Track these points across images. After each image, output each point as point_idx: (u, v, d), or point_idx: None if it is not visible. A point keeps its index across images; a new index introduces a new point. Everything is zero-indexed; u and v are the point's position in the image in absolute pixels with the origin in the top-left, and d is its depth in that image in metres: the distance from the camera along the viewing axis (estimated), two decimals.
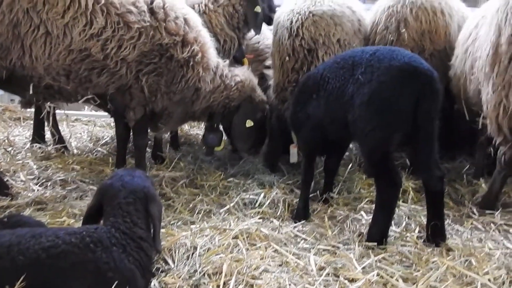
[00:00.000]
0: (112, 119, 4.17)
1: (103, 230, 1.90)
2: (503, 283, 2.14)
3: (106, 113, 4.12)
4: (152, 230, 2.04)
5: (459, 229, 2.83)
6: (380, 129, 2.44)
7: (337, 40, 3.72)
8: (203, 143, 4.03)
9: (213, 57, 3.50)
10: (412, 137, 2.46)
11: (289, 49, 3.77)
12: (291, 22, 3.75)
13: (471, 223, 2.91)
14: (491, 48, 2.77)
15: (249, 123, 3.86)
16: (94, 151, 4.36)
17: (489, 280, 2.13)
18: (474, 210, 3.12)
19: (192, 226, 2.70)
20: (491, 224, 2.90)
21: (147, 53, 3.06)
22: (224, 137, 4.06)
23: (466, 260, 2.34)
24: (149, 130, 3.57)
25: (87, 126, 5.50)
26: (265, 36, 5.11)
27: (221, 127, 4.02)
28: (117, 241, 1.88)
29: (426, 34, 3.78)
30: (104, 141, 4.74)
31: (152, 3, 3.03)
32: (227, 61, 3.83)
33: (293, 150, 3.80)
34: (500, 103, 2.77)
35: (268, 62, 4.80)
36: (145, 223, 2.04)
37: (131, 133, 3.53)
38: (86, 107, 5.75)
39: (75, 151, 4.37)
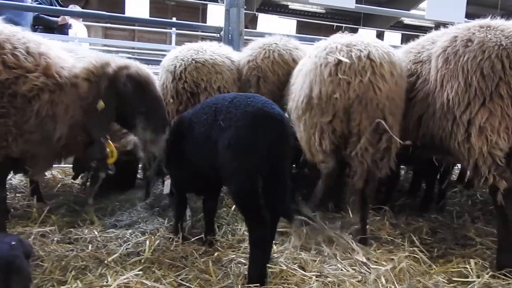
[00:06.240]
0: None
1: None
2: None
3: None
4: None
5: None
6: (241, 171, 2.54)
7: (217, 87, 4.01)
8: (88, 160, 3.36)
9: (58, 68, 3.09)
10: (267, 176, 2.60)
11: (173, 92, 3.97)
12: (175, 67, 3.99)
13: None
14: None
15: (101, 104, 3.12)
16: None
17: None
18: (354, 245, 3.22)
19: (63, 287, 2.46)
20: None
21: None
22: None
23: None
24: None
25: None
26: None
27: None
28: None
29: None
30: None
31: None
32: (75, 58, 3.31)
33: (167, 182, 3.72)
34: None
35: None
36: None
37: None
38: None
39: None
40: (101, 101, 3.07)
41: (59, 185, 4.90)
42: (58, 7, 6.50)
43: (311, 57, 3.42)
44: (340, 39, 3.35)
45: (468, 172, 3.06)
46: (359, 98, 3.09)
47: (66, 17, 6.90)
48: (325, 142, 3.24)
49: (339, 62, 3.13)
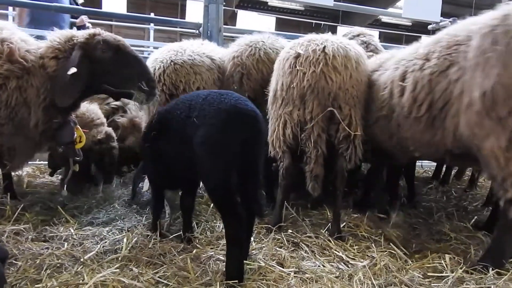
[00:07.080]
0: None
1: None
2: None
3: None
4: None
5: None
6: (215, 168, 2.54)
7: (196, 88, 4.00)
8: (58, 148, 3.31)
9: (23, 52, 2.97)
10: (240, 172, 2.62)
11: None
12: (154, 69, 3.99)
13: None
14: None
15: (72, 70, 2.94)
16: None
17: None
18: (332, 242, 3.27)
19: (37, 286, 2.41)
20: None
21: None
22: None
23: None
24: None
25: None
26: None
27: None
28: None
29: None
30: None
31: None
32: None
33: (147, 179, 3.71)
34: None
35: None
36: None
37: None
38: None
39: None
40: (73, 68, 2.89)
41: (33, 183, 4.80)
42: (35, 2, 6.31)
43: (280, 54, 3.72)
44: (307, 36, 3.61)
45: (494, 182, 2.76)
46: (311, 86, 3.32)
47: (84, 18, 6.79)
48: (288, 132, 3.44)
49: (298, 55, 3.40)
